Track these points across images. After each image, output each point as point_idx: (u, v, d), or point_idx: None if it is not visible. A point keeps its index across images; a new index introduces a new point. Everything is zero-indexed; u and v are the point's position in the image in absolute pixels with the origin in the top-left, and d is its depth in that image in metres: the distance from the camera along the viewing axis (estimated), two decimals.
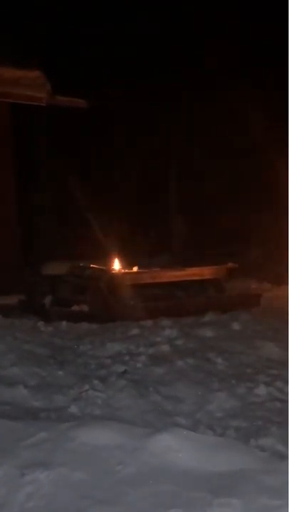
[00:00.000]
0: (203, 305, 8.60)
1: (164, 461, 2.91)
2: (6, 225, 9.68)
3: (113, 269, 9.18)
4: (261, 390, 4.84)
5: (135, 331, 7.17)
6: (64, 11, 12.95)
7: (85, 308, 8.58)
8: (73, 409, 4.39)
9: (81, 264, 9.31)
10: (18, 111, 9.91)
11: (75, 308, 8.62)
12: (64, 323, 7.85)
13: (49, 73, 9.65)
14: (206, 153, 13.21)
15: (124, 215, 12.61)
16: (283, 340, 6.56)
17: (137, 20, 13.13)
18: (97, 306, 8.52)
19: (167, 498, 2.62)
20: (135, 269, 9.52)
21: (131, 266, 9.51)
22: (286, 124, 8.80)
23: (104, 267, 9.16)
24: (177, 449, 2.99)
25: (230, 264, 9.82)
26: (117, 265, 9.28)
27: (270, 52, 11.76)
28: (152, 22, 13.08)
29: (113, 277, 8.91)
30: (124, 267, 9.34)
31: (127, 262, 9.55)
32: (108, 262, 9.33)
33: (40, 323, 7.69)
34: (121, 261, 9.40)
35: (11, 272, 9.19)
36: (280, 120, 10.32)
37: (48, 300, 8.89)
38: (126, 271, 9.24)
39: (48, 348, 6.39)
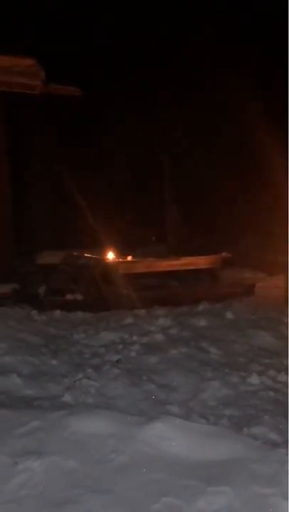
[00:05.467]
0: (197, 294, 8.61)
1: (156, 450, 2.92)
2: (0, 216, 9.63)
3: (107, 259, 9.17)
4: (254, 379, 4.86)
5: (129, 320, 7.17)
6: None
7: (78, 297, 8.57)
8: (67, 397, 4.39)
9: (75, 254, 9.29)
10: (11, 99, 9.84)
11: (69, 297, 8.61)
12: (58, 312, 7.84)
13: (43, 61, 9.58)
14: (200, 143, 13.17)
15: (119, 205, 12.58)
16: (276, 329, 6.59)
17: (131, 9, 13.04)
18: (91, 295, 8.52)
19: (160, 486, 2.63)
20: (129, 258, 9.52)
21: (125, 255, 9.51)
22: (281, 116, 8.78)
23: (98, 256, 9.15)
24: (170, 438, 2.99)
25: (224, 254, 9.84)
26: (111, 254, 9.27)
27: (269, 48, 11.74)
28: (147, 10, 13.01)
29: (107, 266, 8.90)
30: (118, 256, 9.33)
31: (122, 251, 9.54)
32: (102, 251, 9.32)
33: (34, 312, 7.67)
34: (115, 250, 9.39)
35: (5, 261, 9.16)
36: (275, 111, 10.31)
37: (41, 289, 8.88)
38: (120, 260, 9.23)
39: (42, 337, 6.39)
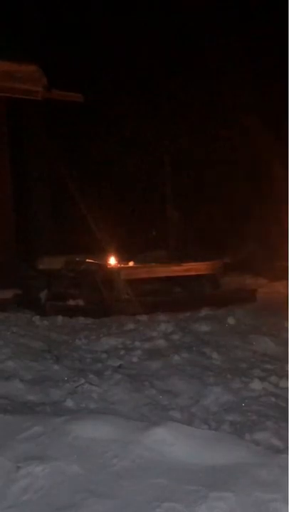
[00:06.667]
0: (199, 300, 8.61)
1: (159, 455, 2.92)
2: (1, 221, 9.64)
3: (109, 264, 9.19)
4: (256, 385, 4.85)
5: (131, 326, 7.18)
6: (60, 4, 12.91)
7: (80, 302, 8.58)
8: (69, 403, 4.39)
9: (77, 259, 9.30)
10: (13, 104, 9.87)
11: (71, 302, 8.62)
12: (60, 317, 7.85)
13: (43, 62, 9.62)
14: (202, 148, 13.20)
15: (121, 210, 12.60)
16: (278, 335, 6.59)
17: (133, 12, 13.09)
18: (93, 301, 8.53)
19: (162, 491, 2.63)
20: (131, 263, 9.53)
21: (127, 260, 9.52)
22: (281, 116, 8.81)
23: (100, 262, 9.16)
24: (172, 443, 3.00)
25: (226, 260, 9.85)
26: (112, 260, 9.28)
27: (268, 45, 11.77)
28: (149, 14, 13.06)
29: (109, 272, 8.91)
30: (120, 261, 9.34)
31: (123, 257, 9.55)
32: (104, 257, 9.33)
33: (36, 318, 7.69)
34: (117, 255, 9.40)
35: (7, 267, 9.17)
36: (275, 112, 10.34)
37: (43, 294, 8.89)
38: (122, 265, 9.24)
39: (44, 342, 6.39)
